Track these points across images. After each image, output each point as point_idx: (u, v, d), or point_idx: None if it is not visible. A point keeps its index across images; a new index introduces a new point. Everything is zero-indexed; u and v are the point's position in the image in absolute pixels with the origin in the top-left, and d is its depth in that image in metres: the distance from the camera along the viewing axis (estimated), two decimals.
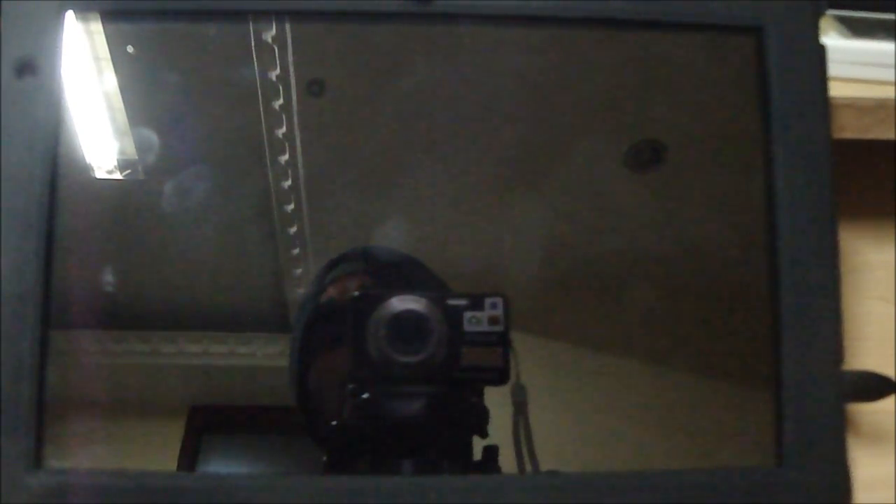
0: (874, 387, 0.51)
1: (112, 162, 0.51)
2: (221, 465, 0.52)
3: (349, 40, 0.50)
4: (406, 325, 0.44)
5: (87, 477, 0.42)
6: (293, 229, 0.52)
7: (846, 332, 0.45)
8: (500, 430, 0.46)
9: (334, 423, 0.45)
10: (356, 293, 0.45)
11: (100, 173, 0.50)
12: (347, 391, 0.44)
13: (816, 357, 0.44)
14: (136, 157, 0.51)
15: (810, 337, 0.44)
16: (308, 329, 0.49)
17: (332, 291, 0.49)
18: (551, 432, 0.48)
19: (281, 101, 0.52)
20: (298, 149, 0.52)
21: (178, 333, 0.51)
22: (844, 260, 0.45)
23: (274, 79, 0.51)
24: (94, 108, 0.50)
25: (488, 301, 0.45)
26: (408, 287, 0.46)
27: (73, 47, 0.46)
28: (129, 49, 0.49)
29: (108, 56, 0.49)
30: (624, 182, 0.52)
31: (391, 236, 0.50)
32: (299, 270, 0.52)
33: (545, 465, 0.47)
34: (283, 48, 0.50)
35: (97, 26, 0.47)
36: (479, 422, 0.45)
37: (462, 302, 0.45)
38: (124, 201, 0.51)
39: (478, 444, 0.45)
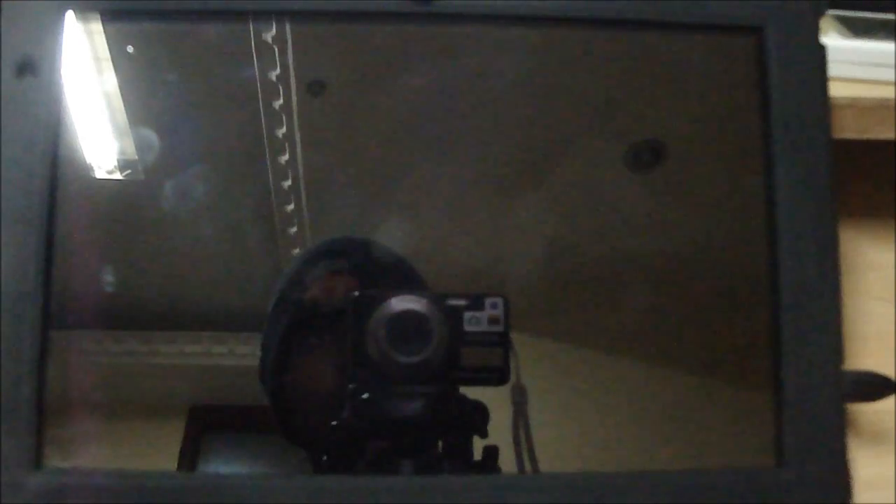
0: (874, 387, 0.51)
1: (112, 162, 0.51)
2: (221, 465, 0.52)
3: (349, 40, 0.50)
4: (406, 325, 0.44)
5: (87, 477, 0.42)
6: (293, 229, 0.52)
7: (846, 332, 0.45)
8: (500, 430, 0.46)
9: (334, 423, 0.45)
10: (356, 293, 0.45)
11: (100, 173, 0.50)
12: (347, 391, 0.44)
13: (816, 357, 0.44)
14: (136, 157, 0.51)
15: (810, 337, 0.44)
16: (290, 329, 0.48)
17: (316, 291, 0.49)
18: (551, 432, 0.48)
19: (281, 101, 0.52)
20: (298, 149, 0.52)
21: (178, 333, 0.51)
22: (844, 260, 0.45)
23: (274, 79, 0.51)
24: (94, 108, 0.50)
25: (488, 301, 0.45)
26: (395, 286, 0.46)
27: (73, 47, 0.46)
28: (129, 49, 0.49)
29: (108, 56, 0.49)
30: (624, 182, 0.52)
31: (391, 236, 0.50)
32: None
33: (545, 465, 0.47)
34: (283, 48, 0.50)
35: (97, 26, 0.47)
36: (479, 422, 0.45)
37: (462, 302, 0.45)
38: (124, 201, 0.51)
39: (478, 444, 0.45)
